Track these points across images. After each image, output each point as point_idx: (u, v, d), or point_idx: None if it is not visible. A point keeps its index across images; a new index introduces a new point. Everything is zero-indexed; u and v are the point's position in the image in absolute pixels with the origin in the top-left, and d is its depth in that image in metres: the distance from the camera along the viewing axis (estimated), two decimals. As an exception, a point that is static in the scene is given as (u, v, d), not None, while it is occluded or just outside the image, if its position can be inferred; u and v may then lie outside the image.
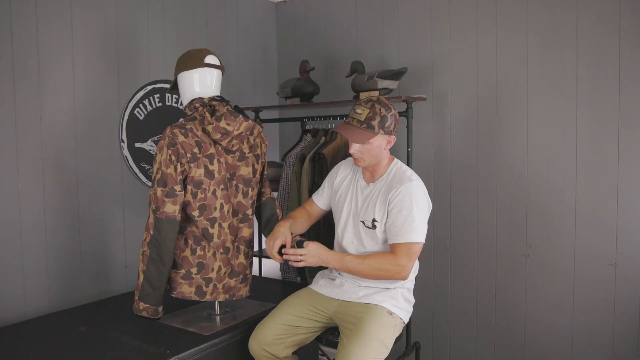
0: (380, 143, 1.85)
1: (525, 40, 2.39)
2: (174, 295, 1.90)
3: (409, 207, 1.78)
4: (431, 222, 2.72)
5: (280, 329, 1.86)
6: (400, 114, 2.47)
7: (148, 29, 2.56)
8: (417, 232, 1.79)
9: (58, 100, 2.18)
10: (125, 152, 2.45)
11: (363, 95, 2.51)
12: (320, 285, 2.00)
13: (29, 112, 2.09)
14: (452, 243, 2.69)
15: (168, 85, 2.65)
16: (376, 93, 2.46)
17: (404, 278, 1.80)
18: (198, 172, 1.83)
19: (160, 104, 2.62)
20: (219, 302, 2.10)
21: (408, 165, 2.47)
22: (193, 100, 1.90)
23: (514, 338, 2.51)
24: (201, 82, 1.90)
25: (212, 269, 1.90)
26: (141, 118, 2.52)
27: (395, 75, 2.44)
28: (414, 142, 2.61)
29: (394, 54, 2.83)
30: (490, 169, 2.53)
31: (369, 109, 1.82)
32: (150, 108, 2.57)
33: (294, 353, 1.97)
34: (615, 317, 2.22)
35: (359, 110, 1.83)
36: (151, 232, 1.78)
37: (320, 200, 2.10)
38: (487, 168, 2.54)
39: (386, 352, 1.76)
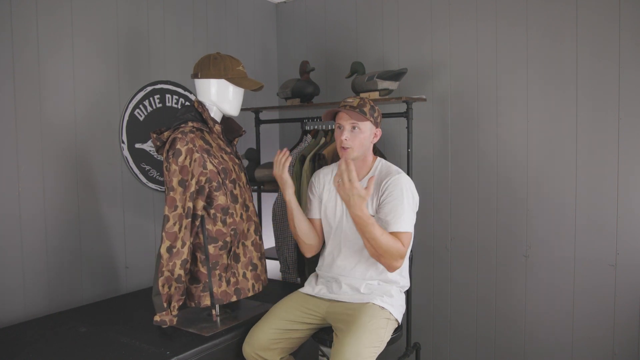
0: (370, 132, 1.92)
1: (525, 39, 2.39)
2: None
3: (400, 198, 1.83)
4: (431, 222, 2.74)
5: (274, 334, 1.87)
6: (400, 114, 2.49)
7: (148, 29, 2.56)
8: (408, 222, 1.84)
9: (58, 101, 2.18)
10: (126, 152, 2.45)
11: (363, 97, 2.51)
12: (312, 286, 2.03)
13: (29, 112, 2.09)
14: (452, 243, 2.69)
15: (168, 86, 2.65)
16: (376, 94, 2.46)
17: (399, 265, 1.82)
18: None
19: (160, 105, 2.61)
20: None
21: (408, 165, 2.48)
22: None
23: (514, 338, 2.51)
24: None
25: None
26: (141, 119, 2.52)
27: (395, 76, 2.44)
28: (413, 142, 2.61)
29: (394, 54, 2.83)
30: (490, 169, 2.53)
31: (359, 99, 1.93)
32: (151, 109, 2.57)
33: (291, 354, 1.99)
34: (615, 318, 2.22)
35: (349, 100, 1.93)
36: None
37: (312, 212, 2.09)
38: (487, 168, 2.54)
39: (380, 343, 1.76)
